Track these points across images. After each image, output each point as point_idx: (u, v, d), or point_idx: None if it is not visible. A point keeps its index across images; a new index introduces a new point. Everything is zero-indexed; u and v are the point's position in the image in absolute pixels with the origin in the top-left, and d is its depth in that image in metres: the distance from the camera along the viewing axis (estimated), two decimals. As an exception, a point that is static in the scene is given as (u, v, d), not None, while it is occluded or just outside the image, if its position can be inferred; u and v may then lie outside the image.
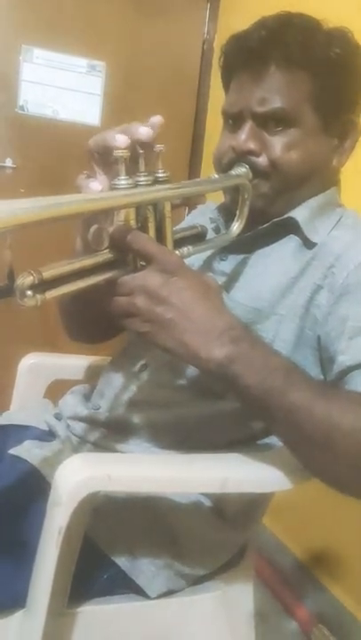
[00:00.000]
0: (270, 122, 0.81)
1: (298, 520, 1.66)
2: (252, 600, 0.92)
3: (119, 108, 2.27)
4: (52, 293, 0.60)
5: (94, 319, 0.86)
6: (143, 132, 0.65)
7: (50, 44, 2.18)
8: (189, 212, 1.08)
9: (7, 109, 2.19)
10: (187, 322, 0.64)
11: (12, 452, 0.84)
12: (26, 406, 1.08)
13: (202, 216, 0.98)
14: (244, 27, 0.84)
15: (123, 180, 0.65)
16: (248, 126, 0.81)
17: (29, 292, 0.58)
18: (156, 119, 0.67)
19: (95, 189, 0.66)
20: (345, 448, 0.62)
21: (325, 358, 0.76)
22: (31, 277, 0.58)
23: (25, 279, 0.58)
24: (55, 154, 2.18)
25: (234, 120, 0.85)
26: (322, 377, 0.78)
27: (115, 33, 2.26)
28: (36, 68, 2.19)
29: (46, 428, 0.95)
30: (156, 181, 0.68)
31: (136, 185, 0.66)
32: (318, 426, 0.63)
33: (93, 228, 0.66)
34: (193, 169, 2.44)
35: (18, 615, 0.70)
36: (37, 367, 1.12)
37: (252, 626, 0.92)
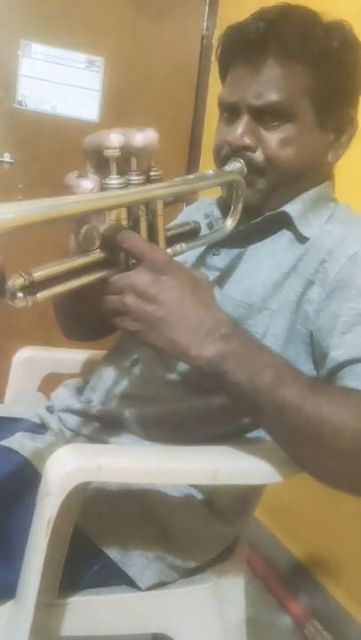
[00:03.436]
0: (266, 116, 0.80)
1: (293, 516, 1.67)
2: (244, 593, 0.92)
3: (118, 103, 2.27)
4: (44, 294, 0.61)
5: (89, 318, 0.86)
6: (139, 138, 0.65)
7: (48, 38, 2.17)
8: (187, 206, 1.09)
9: (5, 104, 2.18)
10: (176, 320, 0.64)
11: (3, 443, 0.84)
12: (19, 399, 1.08)
13: (197, 211, 0.98)
14: (243, 23, 0.83)
15: (114, 180, 0.65)
16: (244, 121, 0.81)
17: (20, 294, 0.58)
18: (153, 134, 0.67)
19: (86, 188, 0.67)
20: (335, 444, 0.63)
21: (318, 354, 0.76)
22: (22, 279, 0.58)
23: (15, 281, 0.58)
24: (53, 149, 2.17)
25: (229, 112, 0.84)
26: (314, 372, 0.78)
27: (114, 28, 2.26)
28: (34, 63, 2.19)
29: (38, 421, 0.95)
30: (148, 180, 0.68)
31: (127, 184, 0.66)
32: (309, 422, 0.63)
33: (84, 228, 0.66)
34: (191, 164, 2.44)
35: (7, 606, 0.70)
36: (32, 361, 1.12)
37: (243, 619, 0.92)
